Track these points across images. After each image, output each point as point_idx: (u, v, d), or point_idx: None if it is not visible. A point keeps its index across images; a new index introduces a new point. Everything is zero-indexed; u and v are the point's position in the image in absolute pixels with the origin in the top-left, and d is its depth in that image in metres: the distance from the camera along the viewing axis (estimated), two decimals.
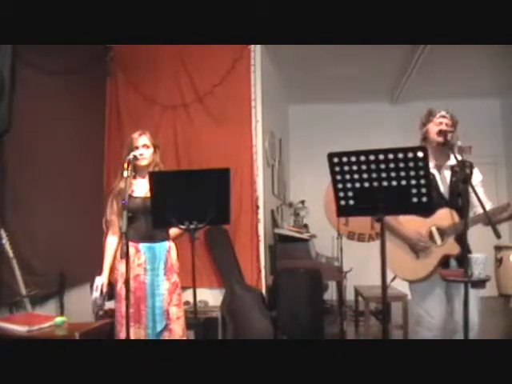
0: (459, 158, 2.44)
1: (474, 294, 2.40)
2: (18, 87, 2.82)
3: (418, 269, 2.61)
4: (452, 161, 2.65)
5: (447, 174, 2.67)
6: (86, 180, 4.16)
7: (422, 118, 2.73)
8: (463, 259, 2.54)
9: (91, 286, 3.72)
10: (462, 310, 2.41)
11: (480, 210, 2.44)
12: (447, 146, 2.54)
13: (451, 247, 2.57)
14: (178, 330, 2.77)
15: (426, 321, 2.63)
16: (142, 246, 2.74)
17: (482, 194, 2.55)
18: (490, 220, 2.31)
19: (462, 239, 2.53)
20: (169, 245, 2.83)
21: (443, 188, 2.63)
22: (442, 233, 2.59)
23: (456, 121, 2.68)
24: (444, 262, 2.59)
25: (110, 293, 2.80)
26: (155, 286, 2.74)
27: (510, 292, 5.72)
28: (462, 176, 2.49)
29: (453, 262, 2.63)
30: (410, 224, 2.61)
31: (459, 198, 2.61)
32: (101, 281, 2.73)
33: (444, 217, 2.53)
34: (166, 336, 2.74)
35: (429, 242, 2.59)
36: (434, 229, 2.61)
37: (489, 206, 2.49)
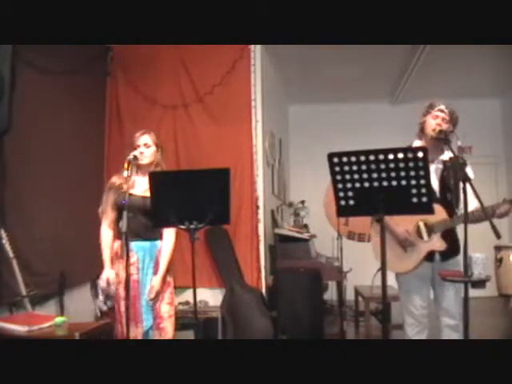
0: (453, 154, 2.45)
1: (461, 291, 2.43)
2: (17, 87, 2.82)
3: (404, 263, 2.67)
4: (445, 155, 2.67)
5: (439, 168, 2.68)
6: (86, 180, 4.16)
7: (424, 109, 2.74)
8: (448, 254, 2.64)
9: (91, 287, 3.74)
10: (448, 311, 2.64)
11: (468, 207, 2.45)
12: (443, 140, 2.53)
13: (437, 244, 2.61)
14: (169, 329, 2.76)
15: (409, 309, 2.74)
16: (134, 244, 2.72)
17: (470, 192, 2.54)
18: (487, 216, 2.32)
19: (447, 235, 2.60)
20: (161, 244, 2.81)
21: (434, 182, 2.63)
22: (430, 229, 2.62)
23: (456, 117, 2.67)
24: (429, 255, 2.65)
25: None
26: (144, 284, 2.73)
27: (510, 292, 5.71)
28: (456, 172, 2.51)
29: (437, 256, 2.67)
30: (400, 217, 2.61)
31: (449, 193, 2.63)
32: (106, 274, 2.73)
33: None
34: (156, 335, 2.73)
35: (416, 239, 2.65)
36: (421, 224, 2.64)
37: (475, 204, 2.48)
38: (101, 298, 2.73)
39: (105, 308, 2.80)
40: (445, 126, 2.59)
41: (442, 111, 2.64)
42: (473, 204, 2.45)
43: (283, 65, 5.68)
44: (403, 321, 2.81)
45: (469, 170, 2.63)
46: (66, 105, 3.93)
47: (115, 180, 2.80)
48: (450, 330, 2.63)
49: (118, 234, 2.78)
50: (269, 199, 5.12)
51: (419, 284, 2.70)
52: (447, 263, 2.65)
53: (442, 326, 2.69)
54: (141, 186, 2.79)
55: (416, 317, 2.72)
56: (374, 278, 3.71)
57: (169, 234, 2.80)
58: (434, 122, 2.62)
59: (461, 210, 2.52)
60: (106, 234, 2.82)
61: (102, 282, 2.71)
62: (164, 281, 2.77)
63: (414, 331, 2.71)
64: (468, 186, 2.31)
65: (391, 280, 2.90)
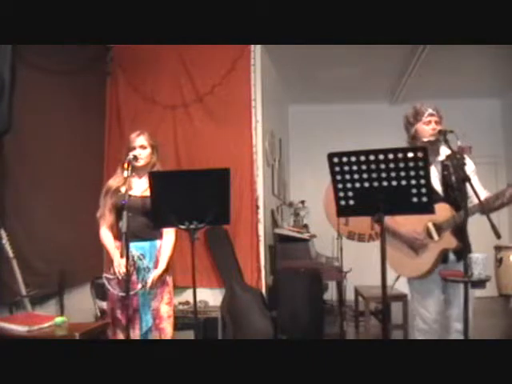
0: (450, 150, 2.46)
1: (469, 294, 2.41)
2: (17, 87, 2.82)
3: (419, 265, 2.64)
4: (442, 156, 2.67)
5: (438, 169, 2.68)
6: (86, 180, 4.16)
7: (409, 116, 2.71)
8: (461, 253, 2.56)
9: (91, 287, 3.75)
10: (459, 315, 2.50)
11: (475, 200, 2.45)
12: (438, 141, 2.54)
13: (448, 241, 2.59)
14: (169, 330, 2.76)
15: (423, 314, 2.70)
16: (133, 245, 2.69)
17: (477, 183, 2.56)
18: (488, 208, 2.33)
19: (458, 232, 2.56)
20: (160, 244, 2.80)
21: (436, 183, 2.63)
22: (439, 228, 2.61)
23: (441, 115, 2.68)
24: (443, 256, 2.62)
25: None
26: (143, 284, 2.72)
27: (510, 292, 5.72)
28: (456, 169, 2.51)
29: (451, 256, 2.65)
30: (407, 221, 2.61)
31: (453, 191, 2.63)
32: (119, 261, 2.67)
33: (439, 211, 2.52)
34: (156, 336, 2.73)
35: (425, 238, 2.63)
36: (430, 224, 2.63)
37: (484, 194, 2.52)
38: (116, 292, 2.68)
39: (105, 307, 2.78)
40: (439, 128, 2.60)
41: (432, 115, 2.63)
42: (481, 195, 2.44)
43: (283, 65, 5.67)
44: (414, 325, 2.78)
45: (468, 162, 2.62)
46: (66, 105, 3.93)
47: (112, 183, 2.81)
48: (459, 334, 2.57)
49: (117, 236, 2.78)
50: (269, 199, 5.13)
51: (432, 287, 2.66)
52: (461, 264, 2.62)
53: (451, 331, 2.64)
54: (138, 188, 2.79)
55: (428, 321, 2.67)
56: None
57: (168, 232, 2.80)
58: (430, 128, 2.62)
59: (469, 204, 2.51)
60: (107, 234, 2.81)
61: (117, 268, 2.65)
62: (163, 279, 2.76)
63: (423, 337, 2.68)
64: (473, 180, 2.33)
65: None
